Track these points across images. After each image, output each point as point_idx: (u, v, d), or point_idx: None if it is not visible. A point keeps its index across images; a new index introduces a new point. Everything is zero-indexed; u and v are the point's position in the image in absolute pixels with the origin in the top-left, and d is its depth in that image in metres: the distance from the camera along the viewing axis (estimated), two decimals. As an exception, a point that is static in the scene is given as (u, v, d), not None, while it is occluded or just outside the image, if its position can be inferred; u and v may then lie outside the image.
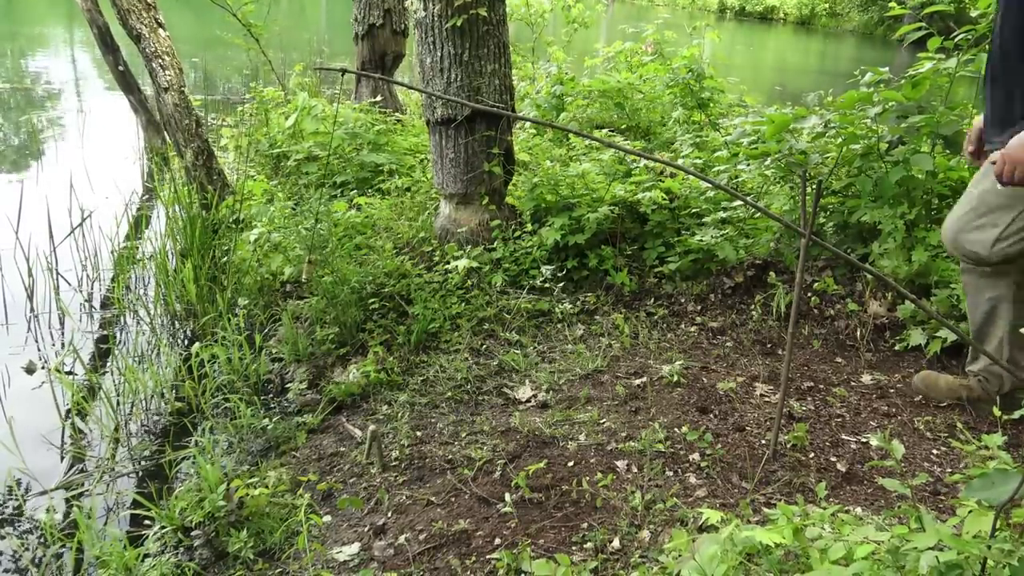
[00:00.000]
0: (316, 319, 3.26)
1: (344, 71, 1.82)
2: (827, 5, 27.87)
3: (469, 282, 3.38)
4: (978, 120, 2.30)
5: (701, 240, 3.35)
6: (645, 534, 2.00)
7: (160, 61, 4.34)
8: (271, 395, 3.14)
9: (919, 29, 3.03)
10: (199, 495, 2.31)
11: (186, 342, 3.58)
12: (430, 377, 2.94)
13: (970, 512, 1.34)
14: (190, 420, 2.91)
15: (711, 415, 2.54)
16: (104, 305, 3.97)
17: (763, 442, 2.38)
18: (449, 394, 2.82)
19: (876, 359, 2.93)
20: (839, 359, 2.94)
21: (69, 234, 4.29)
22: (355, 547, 2.12)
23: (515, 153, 3.80)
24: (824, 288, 3.16)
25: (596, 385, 2.79)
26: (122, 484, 2.66)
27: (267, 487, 2.34)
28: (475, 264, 3.39)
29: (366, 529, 2.18)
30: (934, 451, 2.38)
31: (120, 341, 3.63)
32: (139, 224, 4.87)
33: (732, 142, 3.72)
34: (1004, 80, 2.11)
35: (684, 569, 1.38)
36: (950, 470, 2.27)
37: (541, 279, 3.39)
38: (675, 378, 2.76)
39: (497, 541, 2.04)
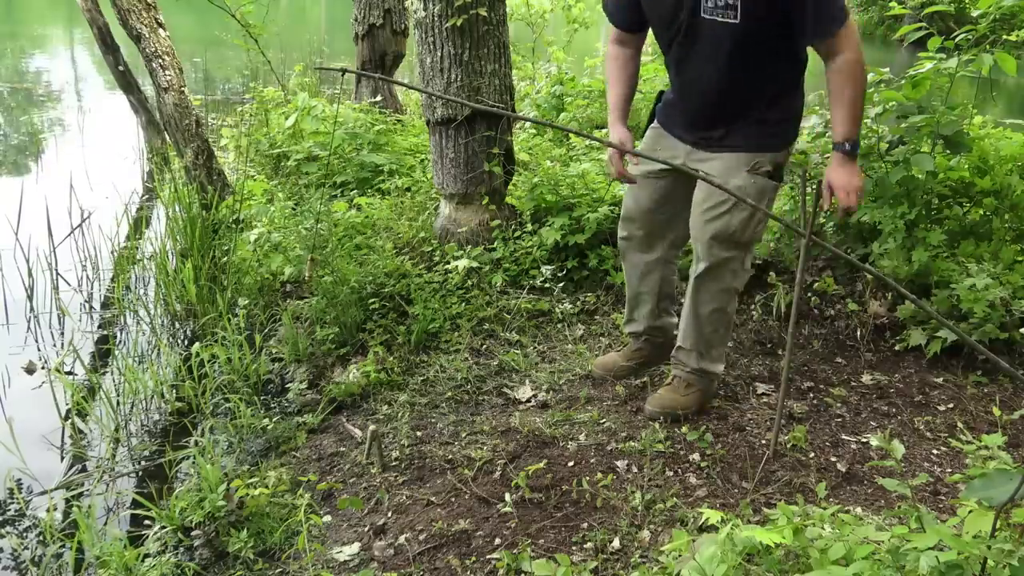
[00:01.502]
0: (316, 319, 3.26)
1: (344, 71, 1.82)
2: (827, 5, 27.82)
3: (469, 282, 3.38)
4: (617, 136, 2.45)
5: (701, 240, 3.34)
6: (645, 534, 2.00)
7: (160, 61, 4.35)
8: (271, 395, 3.14)
9: (919, 29, 3.03)
10: (199, 495, 2.31)
11: (186, 342, 3.58)
12: (430, 377, 2.94)
13: (970, 512, 1.34)
14: (190, 420, 2.91)
15: (711, 415, 2.54)
16: (104, 305, 3.97)
17: (763, 442, 2.38)
18: (449, 394, 2.82)
19: (876, 359, 2.93)
20: (839, 359, 2.94)
21: (69, 234, 4.29)
22: (355, 547, 2.12)
23: (515, 153, 3.80)
24: (824, 288, 3.16)
25: (596, 385, 2.79)
26: (122, 484, 2.66)
27: (267, 487, 2.34)
28: (475, 264, 3.38)
29: (366, 529, 2.18)
30: (934, 451, 2.38)
31: (120, 341, 3.63)
32: (139, 224, 4.87)
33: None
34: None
35: (684, 569, 1.38)
36: (950, 470, 2.27)
37: (541, 279, 3.39)
38: (675, 378, 2.76)
39: (497, 541, 2.04)
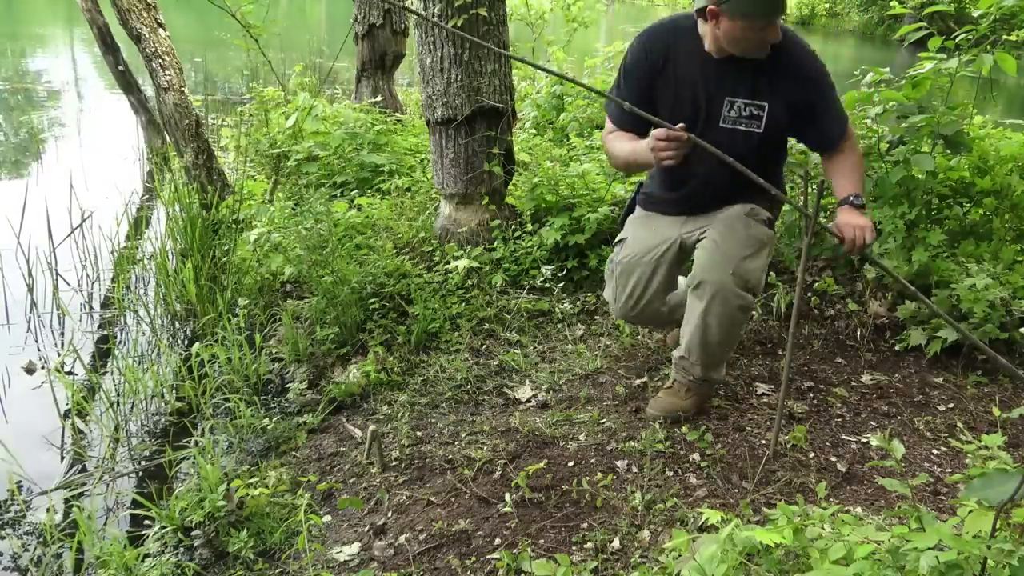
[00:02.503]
0: (316, 319, 3.26)
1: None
2: (827, 5, 27.83)
3: (469, 282, 3.38)
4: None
5: (701, 240, 3.34)
6: (645, 534, 2.00)
7: (160, 61, 4.34)
8: (271, 395, 3.14)
9: (919, 29, 3.02)
10: (199, 495, 2.31)
11: (186, 342, 3.58)
12: (430, 377, 2.94)
13: (970, 512, 1.34)
14: (190, 420, 2.91)
15: (711, 415, 2.54)
16: (104, 305, 3.97)
17: (763, 442, 2.38)
18: (449, 394, 2.82)
19: (876, 359, 2.93)
20: (839, 359, 2.94)
21: (69, 234, 4.29)
22: (355, 547, 2.12)
23: (515, 153, 3.80)
24: (824, 288, 3.16)
25: (596, 385, 2.79)
26: (122, 484, 2.66)
27: (267, 487, 2.34)
28: (475, 264, 3.39)
29: (366, 529, 2.18)
30: (934, 451, 2.38)
31: (120, 341, 3.63)
32: (139, 224, 4.87)
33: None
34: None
35: (684, 569, 1.38)
36: (950, 470, 2.27)
37: (541, 279, 3.39)
38: (675, 378, 2.75)
39: (497, 541, 2.04)
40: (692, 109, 2.28)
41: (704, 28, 2.25)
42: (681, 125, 2.02)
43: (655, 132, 2.09)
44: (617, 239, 2.62)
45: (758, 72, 2.23)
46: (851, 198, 2.24)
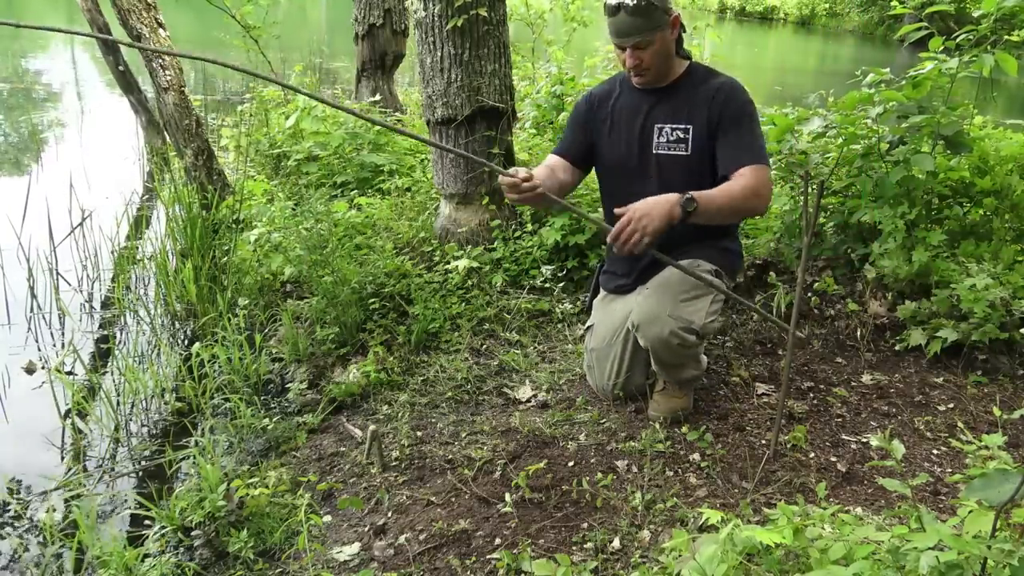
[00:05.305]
0: (316, 319, 3.26)
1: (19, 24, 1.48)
2: (827, 5, 27.84)
3: (469, 282, 3.38)
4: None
5: (701, 240, 3.34)
6: (645, 534, 2.00)
7: (160, 61, 4.34)
8: (271, 395, 3.14)
9: (920, 29, 3.03)
10: (199, 495, 2.31)
11: (186, 342, 3.58)
12: (430, 377, 2.94)
13: (970, 512, 1.34)
14: (190, 420, 2.91)
15: (711, 415, 2.54)
16: (104, 305, 3.97)
17: (763, 442, 2.38)
18: (449, 394, 2.82)
19: (876, 359, 2.93)
20: (839, 359, 2.94)
21: (69, 234, 4.29)
22: (355, 547, 2.12)
23: (515, 153, 3.80)
24: (824, 288, 3.16)
25: (596, 385, 2.78)
26: (122, 484, 2.66)
27: (267, 487, 2.34)
28: (475, 264, 3.38)
29: (366, 529, 2.18)
30: (934, 451, 2.38)
31: (120, 341, 3.63)
32: (139, 224, 4.87)
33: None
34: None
35: (684, 569, 1.38)
36: (950, 470, 2.27)
37: (541, 279, 3.39)
38: (675, 378, 2.75)
39: (497, 541, 2.04)
40: (629, 137, 2.45)
41: None
42: (527, 171, 2.16)
43: (500, 180, 2.19)
44: (587, 325, 2.72)
45: (677, 98, 2.41)
46: (691, 198, 2.12)
